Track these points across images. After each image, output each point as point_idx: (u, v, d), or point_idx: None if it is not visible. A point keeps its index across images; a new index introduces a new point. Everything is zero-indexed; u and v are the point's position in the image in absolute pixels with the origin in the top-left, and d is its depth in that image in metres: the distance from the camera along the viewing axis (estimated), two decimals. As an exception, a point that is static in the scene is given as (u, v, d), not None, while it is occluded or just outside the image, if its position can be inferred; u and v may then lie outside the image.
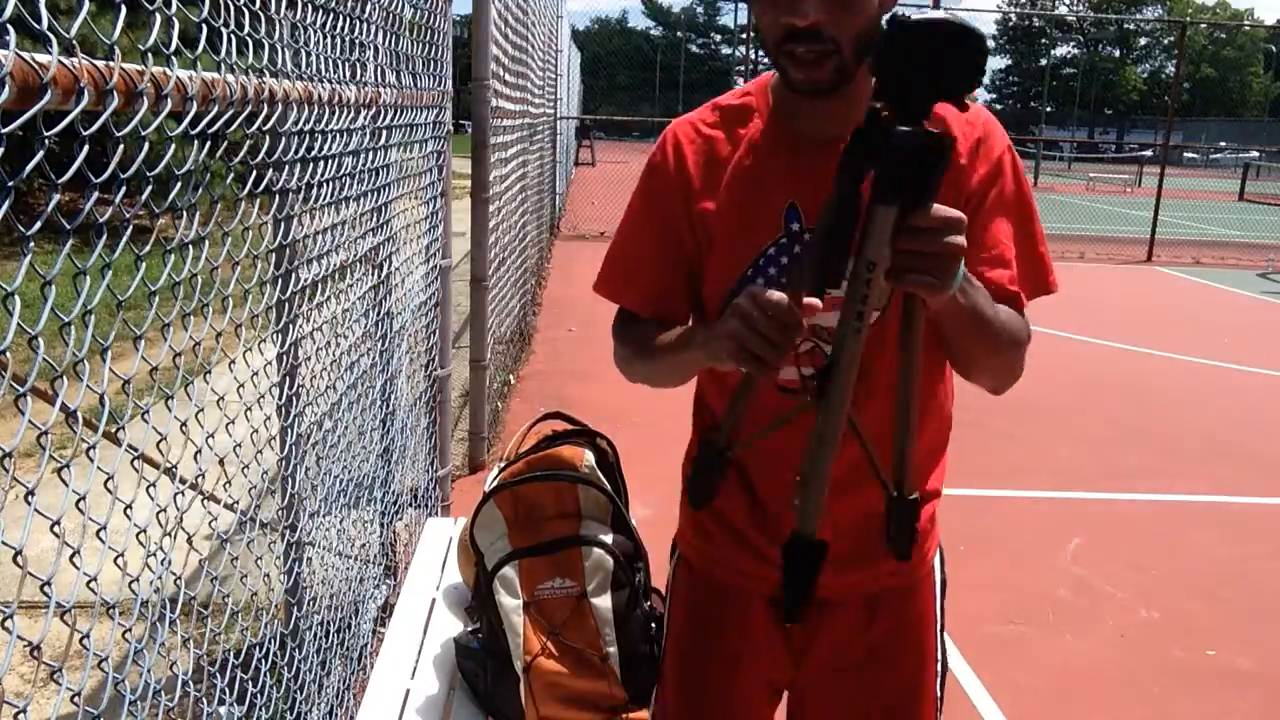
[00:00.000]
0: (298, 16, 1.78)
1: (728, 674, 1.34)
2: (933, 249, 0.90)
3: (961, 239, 0.91)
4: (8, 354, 0.88)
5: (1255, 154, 34.21)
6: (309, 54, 1.85)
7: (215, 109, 1.24)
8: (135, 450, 1.20)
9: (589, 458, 1.82)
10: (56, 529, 0.96)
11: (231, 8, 1.40)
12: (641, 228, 1.28)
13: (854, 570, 1.26)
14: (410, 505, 3.18)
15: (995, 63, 66.32)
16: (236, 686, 1.57)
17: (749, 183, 1.19)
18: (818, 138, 1.16)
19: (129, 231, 1.08)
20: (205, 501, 1.49)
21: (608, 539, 1.71)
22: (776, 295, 0.96)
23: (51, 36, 0.86)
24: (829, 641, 1.31)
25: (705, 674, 1.36)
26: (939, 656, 1.35)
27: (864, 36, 1.06)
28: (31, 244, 0.86)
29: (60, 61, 0.86)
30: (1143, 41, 61.08)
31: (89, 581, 1.07)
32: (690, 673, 1.37)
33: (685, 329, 1.25)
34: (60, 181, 0.90)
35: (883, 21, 0.91)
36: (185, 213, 1.26)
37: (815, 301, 0.97)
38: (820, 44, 1.04)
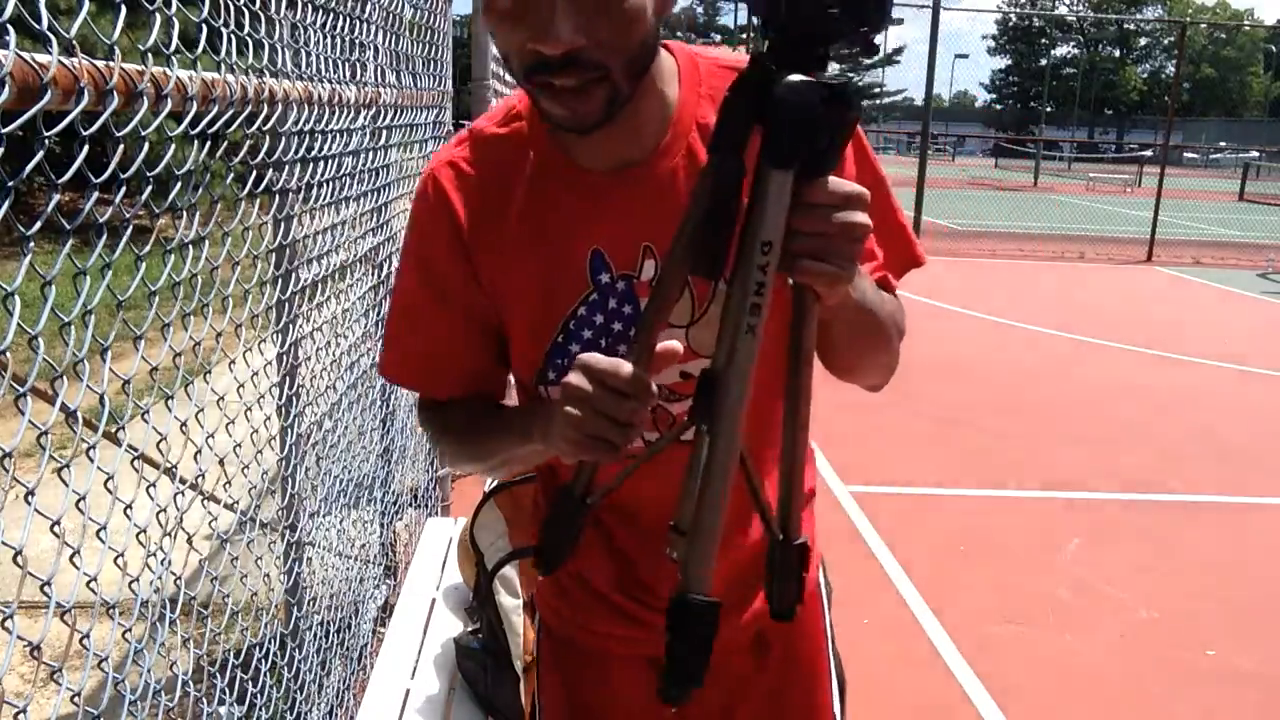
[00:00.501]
0: (298, 16, 1.78)
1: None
2: (833, 229, 0.73)
3: (865, 217, 0.75)
4: (8, 354, 0.88)
5: (1255, 154, 34.22)
6: (309, 54, 1.85)
7: (215, 109, 1.24)
8: (135, 450, 1.20)
9: (589, 458, 1.81)
10: (56, 529, 0.96)
11: (231, 8, 1.40)
12: (423, 302, 1.03)
13: (740, 612, 1.11)
14: (410, 505, 3.18)
15: (995, 63, 66.29)
16: (236, 686, 1.57)
17: (539, 235, 0.96)
18: (607, 167, 0.94)
19: (129, 231, 1.09)
20: (205, 501, 1.49)
21: (608, 539, 1.71)
22: (612, 362, 0.77)
23: (51, 36, 0.86)
24: (718, 693, 1.13)
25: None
26: (834, 674, 1.23)
27: (641, 54, 0.85)
28: (31, 244, 0.86)
29: (60, 61, 0.86)
30: (1143, 41, 61.12)
31: (89, 581, 1.07)
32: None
33: (518, 416, 1.00)
34: (60, 181, 0.90)
35: None
36: (185, 213, 1.26)
37: (674, 345, 0.80)
38: (582, 73, 0.81)
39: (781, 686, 1.17)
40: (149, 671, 1.25)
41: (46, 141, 0.86)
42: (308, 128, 1.79)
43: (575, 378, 0.79)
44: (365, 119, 2.32)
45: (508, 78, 4.84)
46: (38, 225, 0.86)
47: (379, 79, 2.44)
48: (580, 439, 0.79)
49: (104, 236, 1.00)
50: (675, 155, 0.95)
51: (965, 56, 58.14)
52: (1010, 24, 62.48)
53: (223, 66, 1.31)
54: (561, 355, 0.99)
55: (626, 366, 0.77)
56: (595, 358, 0.78)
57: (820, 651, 1.21)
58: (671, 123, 0.95)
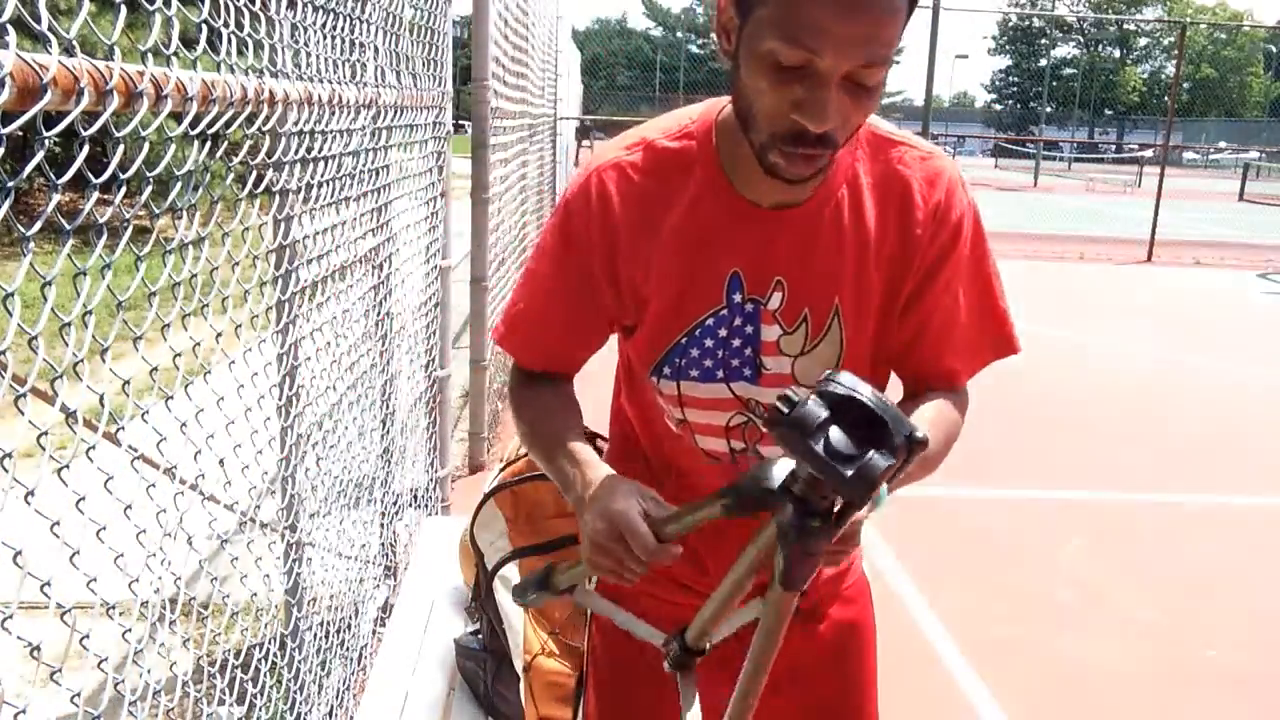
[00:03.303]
0: (298, 17, 1.78)
1: (655, 699, 1.20)
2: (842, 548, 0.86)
3: (857, 538, 0.90)
4: (8, 354, 0.88)
5: (1255, 154, 34.21)
6: (309, 54, 1.85)
7: (215, 109, 1.24)
8: (135, 450, 1.20)
9: (589, 458, 1.81)
10: (56, 529, 0.97)
11: (231, 8, 1.40)
12: (555, 285, 1.12)
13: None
14: (410, 505, 3.18)
15: (995, 62, 66.24)
16: (236, 687, 1.57)
17: (689, 251, 1.05)
18: (766, 203, 1.03)
19: (129, 231, 1.09)
20: (205, 502, 1.49)
21: (608, 539, 1.70)
22: (640, 536, 0.91)
23: (51, 36, 0.86)
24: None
25: (630, 702, 1.25)
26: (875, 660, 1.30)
27: (857, 132, 0.99)
28: (31, 244, 0.86)
29: (60, 62, 0.86)
30: (1143, 42, 61.08)
31: (89, 582, 1.07)
32: (615, 701, 1.26)
33: (573, 470, 1.06)
34: (60, 182, 0.90)
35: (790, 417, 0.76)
36: (185, 213, 1.26)
37: (675, 549, 0.93)
38: (825, 148, 0.92)
39: (833, 658, 1.23)
40: (149, 672, 1.25)
41: (46, 141, 0.86)
42: (308, 128, 1.79)
43: (602, 537, 0.93)
44: (365, 119, 2.32)
45: (507, 78, 4.82)
46: (38, 225, 0.86)
47: (379, 79, 2.44)
48: (597, 565, 0.95)
49: (104, 237, 1.00)
50: (826, 205, 1.03)
51: (965, 57, 58.22)
52: (1010, 24, 62.47)
53: (223, 67, 1.31)
54: (680, 355, 1.08)
55: (648, 539, 0.91)
56: (635, 526, 0.92)
57: (868, 629, 1.28)
58: (828, 176, 1.02)
